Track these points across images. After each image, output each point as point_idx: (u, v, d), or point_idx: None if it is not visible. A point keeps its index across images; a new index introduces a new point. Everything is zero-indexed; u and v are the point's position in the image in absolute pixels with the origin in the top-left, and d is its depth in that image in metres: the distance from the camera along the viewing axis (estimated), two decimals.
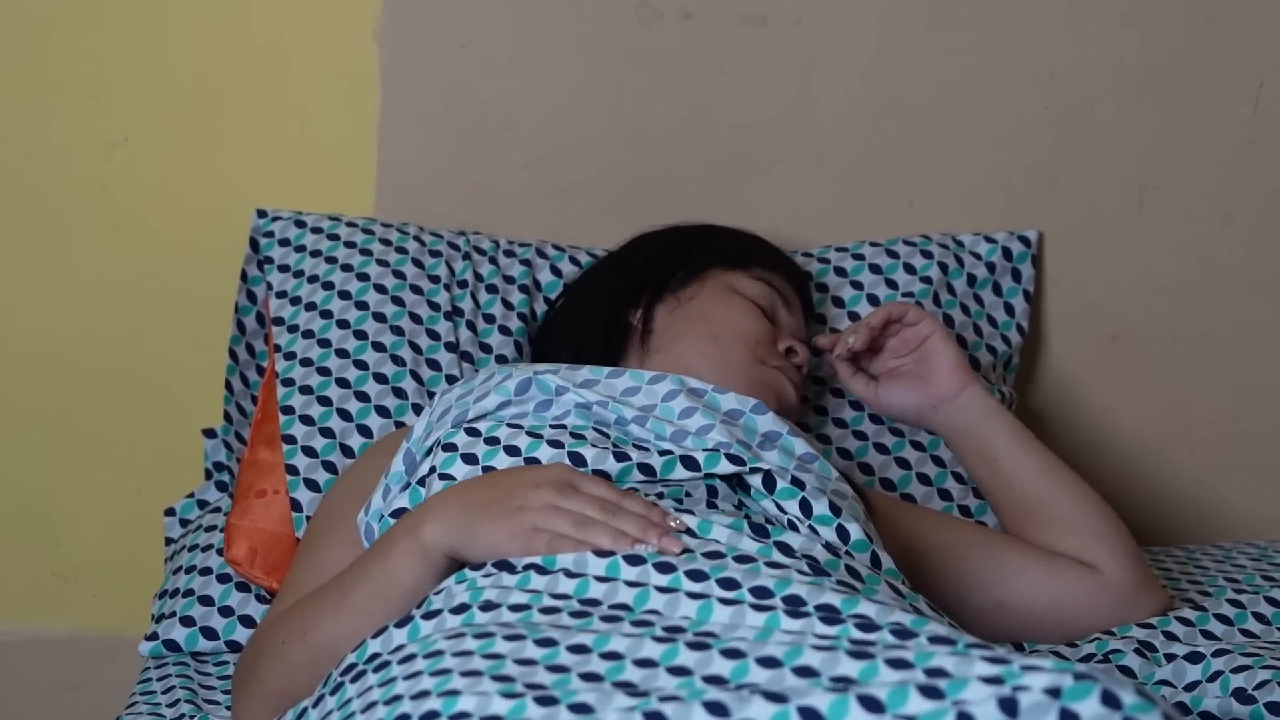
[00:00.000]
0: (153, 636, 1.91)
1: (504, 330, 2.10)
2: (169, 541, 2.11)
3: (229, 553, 1.94)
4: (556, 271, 2.17)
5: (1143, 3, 2.27)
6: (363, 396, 2.00)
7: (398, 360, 2.03)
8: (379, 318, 2.06)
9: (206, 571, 1.96)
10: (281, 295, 2.10)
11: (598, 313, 1.98)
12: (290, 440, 1.96)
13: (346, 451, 1.95)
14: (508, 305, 2.12)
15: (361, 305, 2.07)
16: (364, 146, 2.26)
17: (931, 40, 2.27)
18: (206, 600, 1.93)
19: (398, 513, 1.59)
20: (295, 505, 1.93)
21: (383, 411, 1.98)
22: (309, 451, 1.96)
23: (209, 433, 2.18)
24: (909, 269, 2.20)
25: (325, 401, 2.00)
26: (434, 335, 2.06)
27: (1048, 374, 2.35)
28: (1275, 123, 2.30)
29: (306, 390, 2.00)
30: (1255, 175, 2.32)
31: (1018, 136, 2.29)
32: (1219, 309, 2.34)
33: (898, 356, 1.96)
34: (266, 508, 1.96)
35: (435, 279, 2.11)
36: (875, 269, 2.20)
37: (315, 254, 2.12)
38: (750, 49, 2.26)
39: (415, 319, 2.07)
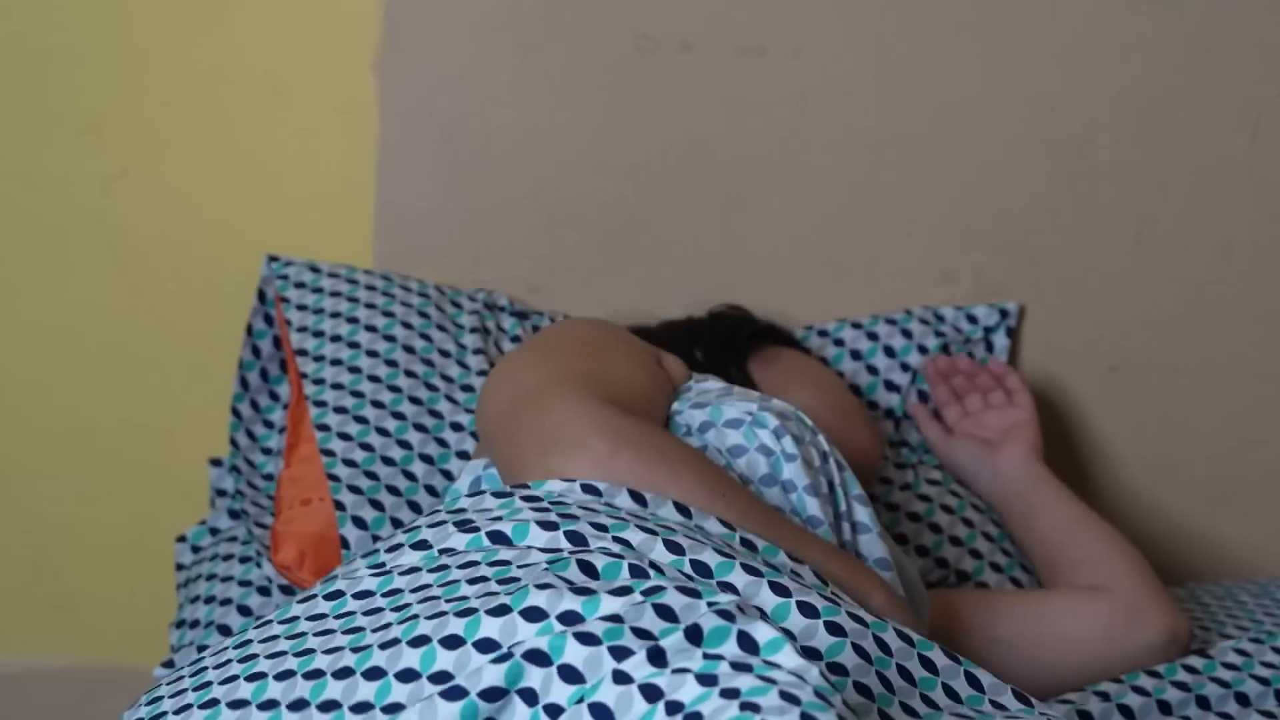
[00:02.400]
0: (169, 664, 1.91)
1: None
2: (180, 568, 2.11)
3: (277, 557, 1.93)
4: None
5: (1141, 34, 2.27)
6: (399, 415, 1.99)
7: (431, 387, 2.03)
8: (408, 350, 2.06)
9: (227, 602, 1.96)
10: (302, 329, 2.09)
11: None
12: (330, 454, 1.95)
13: (388, 462, 1.94)
14: None
15: (389, 338, 2.07)
16: (363, 178, 2.26)
17: (930, 72, 2.27)
18: (225, 630, 1.93)
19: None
20: (339, 506, 1.91)
21: (420, 428, 1.98)
22: (349, 463, 1.94)
23: (216, 462, 2.17)
24: (889, 352, 2.22)
25: (361, 420, 1.99)
26: (464, 365, 2.06)
27: (1045, 405, 2.35)
28: (1274, 154, 2.30)
29: (341, 410, 1.99)
30: (1254, 206, 2.32)
31: (1016, 168, 2.30)
32: (1218, 340, 2.35)
33: (983, 427, 2.09)
34: (312, 514, 1.96)
35: (460, 325, 2.11)
36: (856, 355, 2.22)
37: (335, 294, 2.12)
38: (749, 80, 2.26)
39: (444, 354, 2.06)
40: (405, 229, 2.26)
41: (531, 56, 2.24)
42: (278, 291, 2.14)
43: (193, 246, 2.27)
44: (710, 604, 1.20)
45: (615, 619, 1.19)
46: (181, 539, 2.12)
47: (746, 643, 1.17)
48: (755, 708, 1.08)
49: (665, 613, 1.20)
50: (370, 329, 2.08)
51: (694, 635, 1.17)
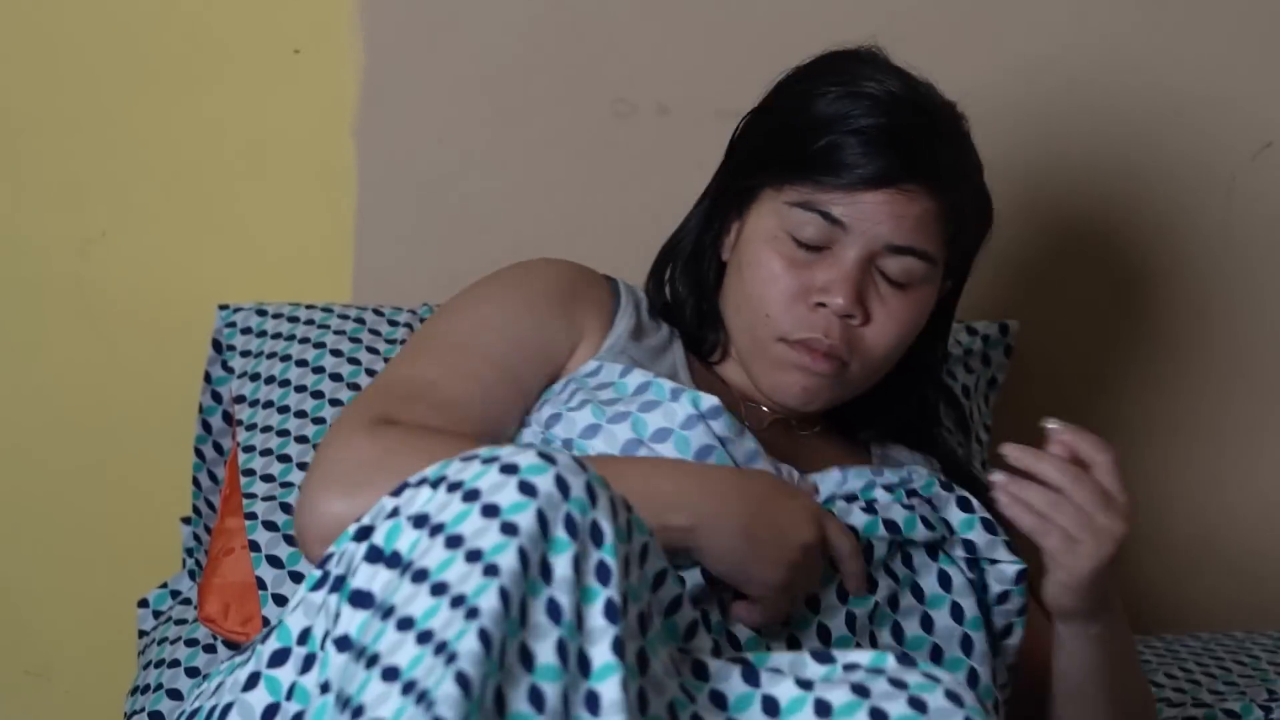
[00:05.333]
0: None
1: None
2: (142, 634, 2.10)
3: (202, 611, 1.92)
4: None
5: (1113, 97, 2.29)
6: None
7: None
8: (335, 378, 2.04)
9: (175, 664, 1.94)
10: (242, 375, 2.09)
11: (700, 250, 1.77)
12: (250, 496, 1.95)
13: None
14: None
15: (318, 370, 2.06)
16: (341, 241, 2.26)
17: None
18: (175, 694, 1.91)
19: None
20: (254, 546, 1.89)
21: None
22: (268, 499, 1.93)
23: (188, 520, 2.17)
24: None
25: (285, 459, 1.98)
26: None
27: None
28: (1247, 215, 2.31)
29: (266, 452, 1.99)
30: (1228, 268, 2.33)
31: (995, 231, 2.30)
32: (1192, 402, 2.35)
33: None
34: (236, 563, 1.95)
35: (392, 342, 2.10)
36: None
37: (275, 336, 2.12)
38: (727, 143, 2.27)
39: (371, 374, 2.05)
40: (383, 292, 2.25)
41: (509, 119, 2.24)
42: (224, 339, 2.14)
43: (170, 309, 2.26)
44: None
45: None
46: (143, 603, 2.11)
47: None
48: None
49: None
50: (301, 363, 2.07)
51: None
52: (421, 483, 1.25)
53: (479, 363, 1.63)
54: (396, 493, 1.26)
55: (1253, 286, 2.34)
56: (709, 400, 1.55)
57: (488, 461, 1.22)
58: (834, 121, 1.59)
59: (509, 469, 1.21)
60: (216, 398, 2.16)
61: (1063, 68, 2.27)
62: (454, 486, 1.22)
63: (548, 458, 1.21)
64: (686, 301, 1.75)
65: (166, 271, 2.26)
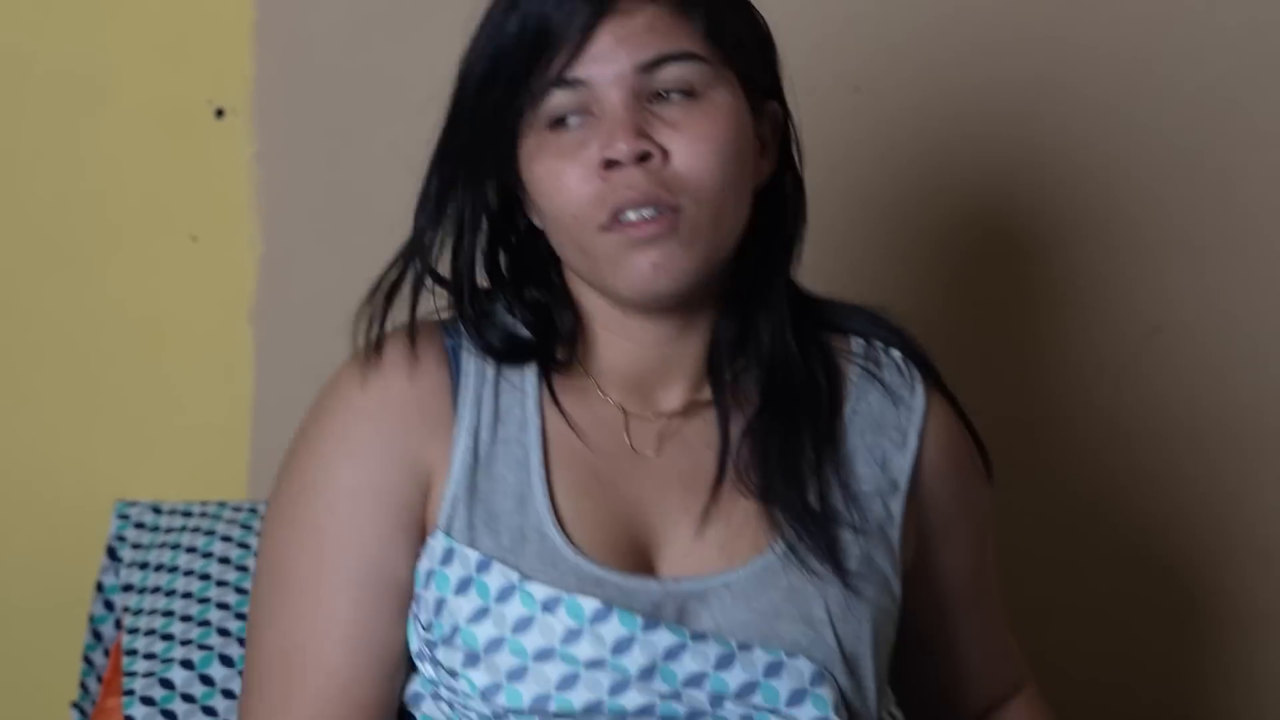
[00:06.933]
0: None
1: None
2: None
3: None
4: None
5: (1002, 285, 2.31)
6: (205, 623, 1.96)
7: (241, 590, 2.00)
8: (223, 560, 2.03)
9: None
10: (132, 565, 2.08)
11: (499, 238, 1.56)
12: (131, 674, 1.92)
13: (186, 665, 1.91)
14: None
15: (207, 554, 2.05)
16: (237, 429, 2.25)
17: None
18: None
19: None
20: None
21: (224, 632, 1.94)
22: (148, 674, 1.91)
23: (77, 706, 2.14)
24: None
25: (168, 637, 1.96)
26: None
27: None
28: (1135, 401, 2.32)
29: (150, 632, 1.97)
30: (1117, 461, 2.34)
31: None
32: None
33: None
34: None
35: None
36: None
37: (169, 530, 2.11)
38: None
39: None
40: None
41: None
42: (117, 531, 2.13)
43: (60, 502, 2.24)
44: None
45: None
46: None
47: None
48: None
49: None
50: (190, 550, 2.06)
51: None
52: None
53: (345, 601, 1.46)
54: None
55: (1140, 475, 2.34)
56: (590, 604, 1.41)
57: None
58: (494, 34, 1.43)
59: None
60: (109, 606, 2.14)
61: (947, 265, 2.30)
62: None
63: None
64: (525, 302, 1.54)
65: (57, 463, 2.24)
